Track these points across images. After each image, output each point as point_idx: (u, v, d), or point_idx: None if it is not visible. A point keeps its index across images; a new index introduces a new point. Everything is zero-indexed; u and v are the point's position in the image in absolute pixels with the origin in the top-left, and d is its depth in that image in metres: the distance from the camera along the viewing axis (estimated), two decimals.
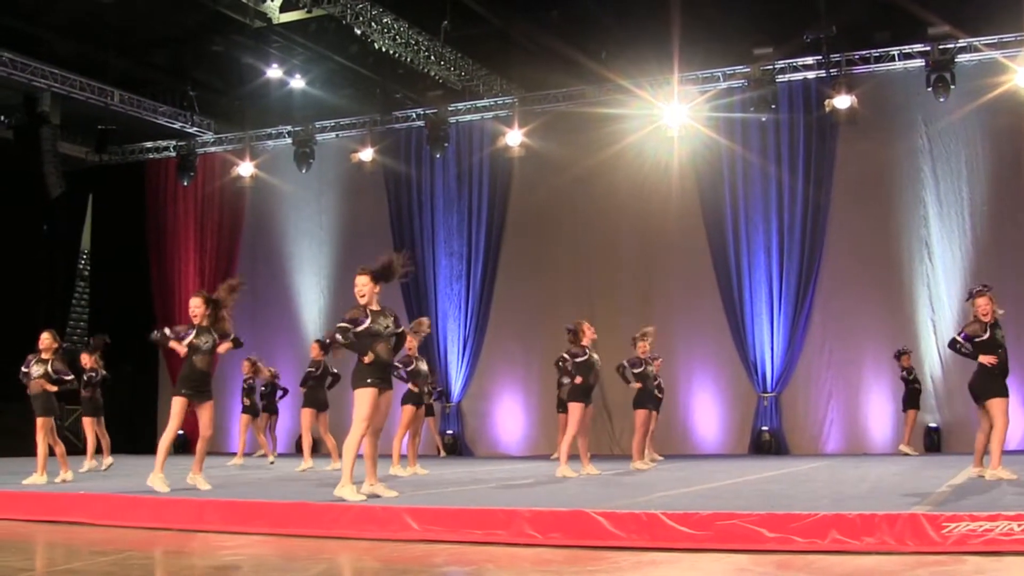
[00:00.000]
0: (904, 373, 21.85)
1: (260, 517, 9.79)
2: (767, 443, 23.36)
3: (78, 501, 11.23)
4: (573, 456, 15.55)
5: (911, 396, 21.75)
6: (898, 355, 21.94)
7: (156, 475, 12.23)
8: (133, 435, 26.99)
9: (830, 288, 23.62)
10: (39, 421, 15.10)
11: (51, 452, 15.04)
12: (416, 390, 16.51)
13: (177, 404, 12.63)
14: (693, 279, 24.55)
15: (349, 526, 9.25)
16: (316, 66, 25.91)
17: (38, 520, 11.01)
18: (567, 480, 14.21)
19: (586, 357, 15.48)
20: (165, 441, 12.62)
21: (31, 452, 14.92)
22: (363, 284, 11.10)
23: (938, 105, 22.69)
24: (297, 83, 26.51)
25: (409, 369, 16.35)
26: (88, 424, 19.43)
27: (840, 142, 23.71)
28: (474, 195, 26.82)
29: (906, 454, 21.01)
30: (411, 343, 16.16)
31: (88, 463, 19.11)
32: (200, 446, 12.97)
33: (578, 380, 15.30)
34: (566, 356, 15.74)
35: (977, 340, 12.66)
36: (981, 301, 12.76)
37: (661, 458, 20.49)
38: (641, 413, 17.74)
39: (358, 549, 8.55)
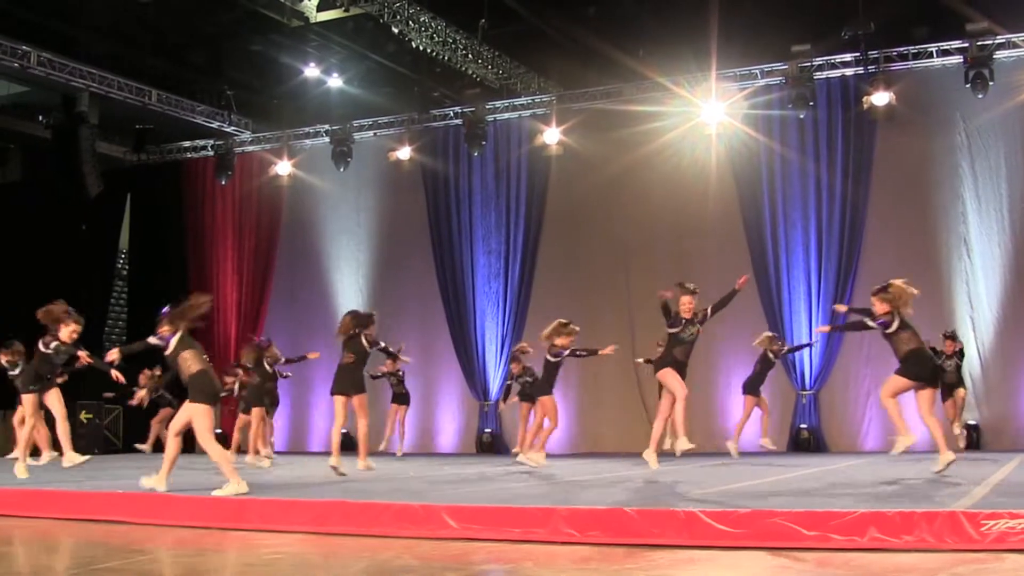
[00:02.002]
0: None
1: (299, 515, 9.83)
2: (806, 440, 23.31)
3: (115, 500, 11.29)
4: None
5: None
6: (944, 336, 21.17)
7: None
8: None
9: (868, 285, 23.23)
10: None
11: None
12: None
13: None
14: (731, 276, 24.21)
15: (388, 524, 9.27)
16: (353, 65, 25.98)
17: (75, 519, 11.06)
18: (604, 477, 14.22)
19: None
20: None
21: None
22: None
23: (976, 101, 22.60)
24: (335, 82, 26.59)
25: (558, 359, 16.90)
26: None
27: (878, 139, 23.62)
28: (512, 193, 26.81)
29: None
30: (566, 340, 16.92)
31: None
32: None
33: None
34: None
35: None
36: None
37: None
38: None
39: (397, 547, 8.58)
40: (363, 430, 15.92)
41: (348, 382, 15.68)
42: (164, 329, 11.82)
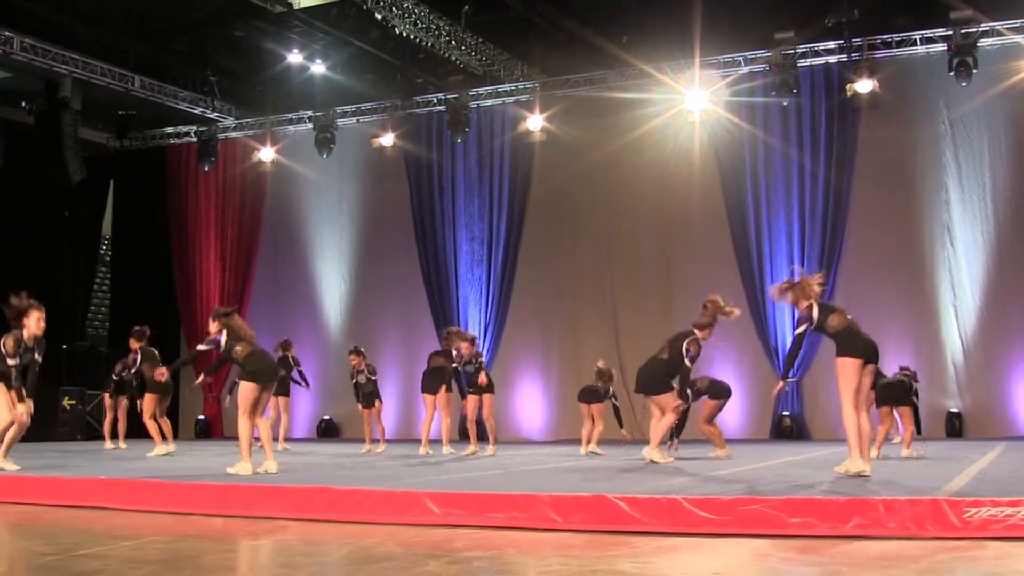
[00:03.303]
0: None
1: (282, 501, 9.81)
2: (788, 428, 23.34)
3: (100, 486, 11.25)
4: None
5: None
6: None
7: None
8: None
9: (851, 273, 23.56)
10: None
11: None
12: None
13: None
14: (714, 264, 24.49)
15: (371, 510, 9.26)
16: (337, 51, 25.91)
17: (60, 505, 11.03)
18: (587, 464, 14.22)
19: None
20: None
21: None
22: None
23: (960, 90, 22.65)
24: (318, 68, 26.52)
25: None
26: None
27: (862, 127, 23.67)
28: (495, 180, 26.82)
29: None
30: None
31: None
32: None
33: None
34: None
35: None
36: None
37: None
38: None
39: (380, 533, 8.56)
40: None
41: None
42: (212, 329, 12.81)
